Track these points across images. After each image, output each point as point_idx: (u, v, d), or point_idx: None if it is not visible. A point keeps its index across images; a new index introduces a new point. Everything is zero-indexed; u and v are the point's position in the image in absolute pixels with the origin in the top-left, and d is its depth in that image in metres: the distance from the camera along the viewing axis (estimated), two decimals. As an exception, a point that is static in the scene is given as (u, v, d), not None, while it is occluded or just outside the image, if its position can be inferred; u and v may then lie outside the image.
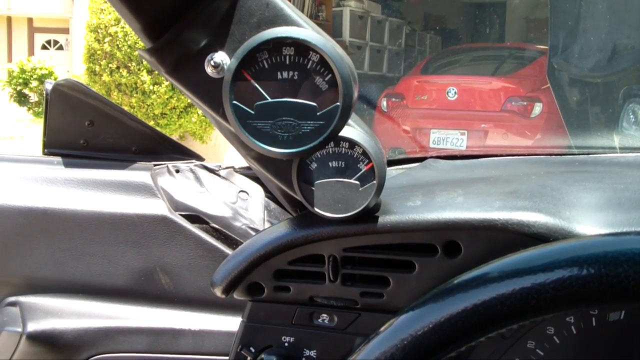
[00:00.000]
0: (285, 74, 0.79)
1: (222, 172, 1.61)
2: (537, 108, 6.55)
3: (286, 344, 0.98)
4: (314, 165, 0.87)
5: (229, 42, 0.80)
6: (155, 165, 1.53)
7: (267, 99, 0.79)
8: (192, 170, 1.56)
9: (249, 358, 0.99)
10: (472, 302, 0.58)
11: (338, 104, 0.78)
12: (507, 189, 1.01)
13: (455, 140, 6.79)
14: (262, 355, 0.98)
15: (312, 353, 0.98)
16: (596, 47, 4.45)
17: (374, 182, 0.86)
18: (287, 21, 0.80)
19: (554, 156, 1.51)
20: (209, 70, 0.80)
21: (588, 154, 1.54)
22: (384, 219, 0.90)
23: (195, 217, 1.47)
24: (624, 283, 0.56)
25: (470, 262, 0.84)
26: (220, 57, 0.80)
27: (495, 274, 0.59)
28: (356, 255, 0.94)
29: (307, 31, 0.78)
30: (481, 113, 6.90)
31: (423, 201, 0.94)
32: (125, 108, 6.86)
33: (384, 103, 7.33)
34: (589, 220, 0.84)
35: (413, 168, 1.45)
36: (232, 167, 1.65)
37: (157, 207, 1.43)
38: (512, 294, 0.57)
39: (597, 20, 4.34)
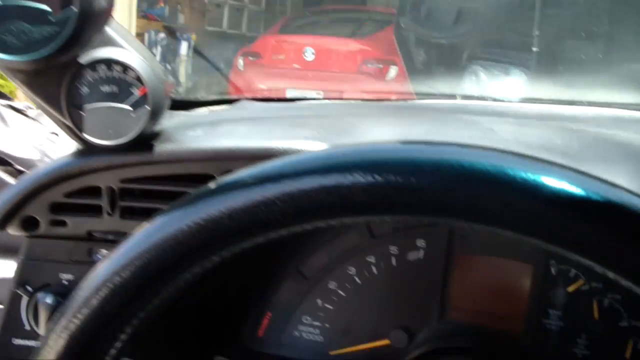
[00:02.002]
0: None
1: (31, 113, 1.53)
2: (393, 71, 6.66)
3: (64, 282, 0.93)
4: (85, 90, 0.82)
5: None
6: None
7: None
8: (-5, 110, 1.48)
9: (25, 297, 0.93)
10: (199, 217, 0.55)
11: (72, 7, 0.73)
12: (297, 122, 1.00)
13: (311, 100, 6.81)
14: (38, 295, 0.93)
15: None
16: (442, 9, 4.57)
17: (147, 107, 0.82)
18: None
19: (380, 102, 1.50)
20: None
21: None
22: (160, 148, 0.86)
23: (-2, 158, 1.39)
24: (351, 196, 0.53)
25: None
26: None
27: (226, 186, 0.56)
28: (135, 187, 0.90)
29: None
30: (338, 74, 6.96)
31: (205, 131, 0.92)
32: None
33: (240, 61, 7.23)
34: None
35: (225, 109, 1.42)
36: (42, 108, 1.57)
37: None
38: (241, 208, 0.54)
39: (443, -17, 4.45)
